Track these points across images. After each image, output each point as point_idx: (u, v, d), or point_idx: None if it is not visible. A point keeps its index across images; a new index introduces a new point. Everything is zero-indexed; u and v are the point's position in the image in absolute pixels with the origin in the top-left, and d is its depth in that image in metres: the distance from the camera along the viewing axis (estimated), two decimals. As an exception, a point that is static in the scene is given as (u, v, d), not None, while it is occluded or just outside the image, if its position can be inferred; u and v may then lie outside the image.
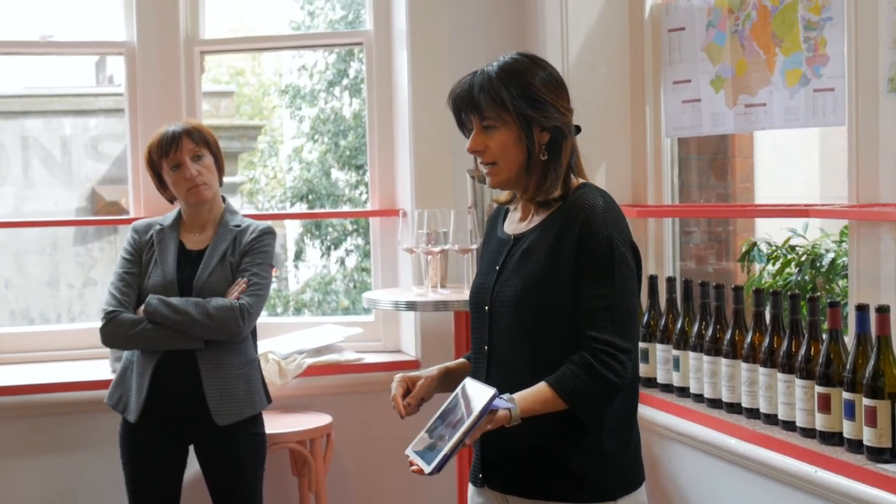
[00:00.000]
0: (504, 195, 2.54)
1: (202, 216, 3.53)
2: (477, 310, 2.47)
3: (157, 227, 3.53)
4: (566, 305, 2.30)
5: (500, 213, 2.57)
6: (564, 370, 2.26)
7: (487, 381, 2.35)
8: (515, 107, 2.33)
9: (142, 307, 3.40)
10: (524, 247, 2.39)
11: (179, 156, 3.44)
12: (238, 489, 3.47)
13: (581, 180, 2.43)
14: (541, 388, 2.26)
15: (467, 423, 2.17)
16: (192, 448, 3.52)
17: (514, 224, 2.49)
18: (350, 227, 11.12)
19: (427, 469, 2.19)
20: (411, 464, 2.24)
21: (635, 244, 2.39)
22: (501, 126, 2.35)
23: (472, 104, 2.37)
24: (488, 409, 2.17)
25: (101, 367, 4.14)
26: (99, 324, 3.47)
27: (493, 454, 2.41)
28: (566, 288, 2.30)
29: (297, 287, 11.73)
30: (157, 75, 4.37)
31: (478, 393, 2.23)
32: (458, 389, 2.30)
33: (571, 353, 2.28)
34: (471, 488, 2.52)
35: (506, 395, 2.23)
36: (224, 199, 3.59)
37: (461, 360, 2.59)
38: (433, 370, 2.50)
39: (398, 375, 2.47)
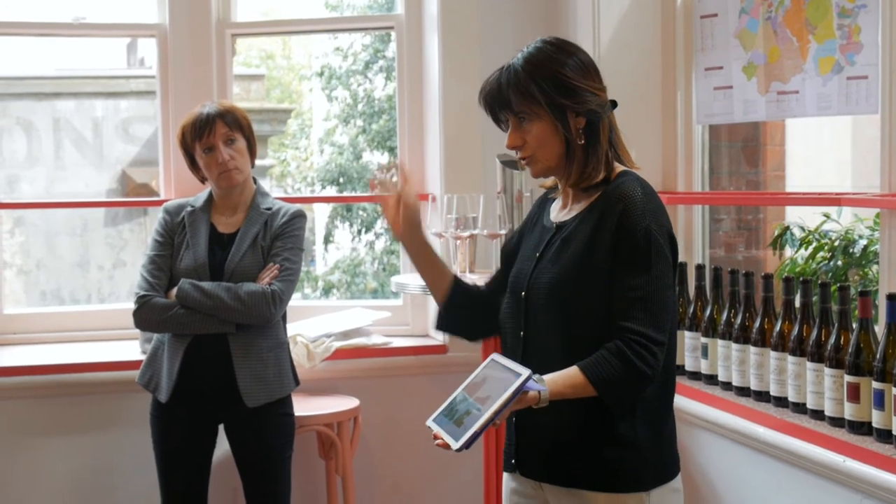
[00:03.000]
0: (549, 181, 2.52)
1: (233, 199, 3.54)
2: (514, 295, 2.46)
3: (189, 208, 3.55)
4: (602, 295, 2.29)
5: (546, 200, 2.55)
6: (597, 356, 2.25)
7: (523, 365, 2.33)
8: (547, 98, 2.31)
9: (174, 291, 3.42)
10: (564, 235, 2.38)
11: (212, 139, 3.45)
12: (267, 469, 3.49)
13: (622, 168, 2.41)
14: (572, 373, 2.25)
15: (499, 402, 2.15)
16: (221, 428, 3.55)
17: (556, 212, 2.48)
18: (380, 211, 11.12)
19: (455, 445, 2.16)
20: (436, 437, 2.21)
21: (674, 235, 2.36)
22: (536, 119, 2.33)
23: (502, 102, 2.36)
24: (521, 391, 2.16)
25: (132, 348, 4.16)
26: (129, 305, 3.49)
27: (527, 442, 2.41)
28: (603, 278, 2.29)
29: (326, 269, 11.77)
30: (188, 58, 4.38)
31: (510, 372, 2.21)
32: (487, 363, 2.29)
33: (605, 342, 2.27)
34: (505, 474, 2.53)
35: (537, 377, 2.22)
36: (255, 181, 3.60)
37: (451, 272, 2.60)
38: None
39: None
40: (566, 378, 2.24)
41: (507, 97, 2.34)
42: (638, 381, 2.26)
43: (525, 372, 2.17)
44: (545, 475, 2.39)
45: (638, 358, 2.24)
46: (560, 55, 2.34)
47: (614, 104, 2.42)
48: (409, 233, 2.54)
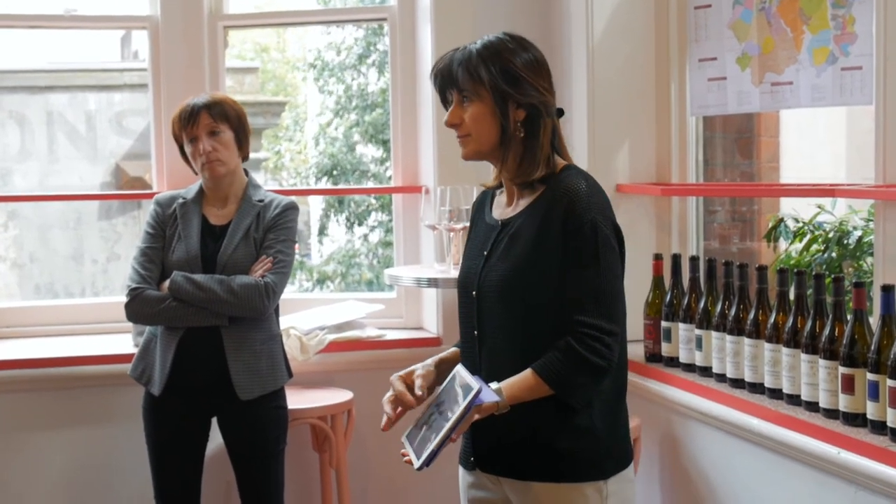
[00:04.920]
0: (491, 179, 2.55)
1: (223, 190, 3.53)
2: (465, 295, 2.49)
3: (181, 200, 3.53)
4: (553, 290, 2.32)
5: (487, 198, 2.58)
6: (549, 356, 2.30)
7: (479, 365, 2.40)
8: (491, 81, 2.35)
9: (166, 283, 3.41)
10: (511, 232, 2.41)
11: (195, 130, 3.45)
12: (260, 462, 3.49)
13: (565, 162, 2.44)
14: (526, 376, 2.30)
15: (452, 419, 2.21)
16: (214, 421, 3.54)
17: (500, 209, 2.51)
18: (374, 203, 11.13)
19: (416, 464, 2.24)
20: (404, 454, 2.30)
21: (618, 226, 2.39)
22: (477, 100, 2.38)
23: (451, 78, 2.41)
24: (473, 405, 2.20)
25: (125, 341, 4.15)
26: (121, 298, 3.48)
27: (484, 439, 2.43)
28: (552, 272, 2.32)
29: (321, 260, 11.78)
30: (180, 50, 4.37)
31: (464, 386, 2.26)
32: (451, 375, 2.34)
33: (559, 336, 2.30)
34: (461, 471, 2.55)
35: (493, 385, 2.27)
36: (247, 173, 3.59)
37: (452, 349, 2.60)
38: (429, 362, 2.51)
39: (393, 377, 2.46)
40: (521, 382, 2.30)
41: (455, 74, 2.39)
42: (593, 374, 2.30)
43: (475, 387, 2.21)
44: (504, 469, 2.41)
45: (590, 352, 2.28)
46: (516, 47, 2.40)
47: (561, 112, 2.47)
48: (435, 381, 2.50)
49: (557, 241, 2.32)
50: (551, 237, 2.32)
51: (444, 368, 2.50)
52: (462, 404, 2.21)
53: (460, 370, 2.34)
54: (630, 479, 2.44)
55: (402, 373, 2.46)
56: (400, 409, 2.40)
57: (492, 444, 2.42)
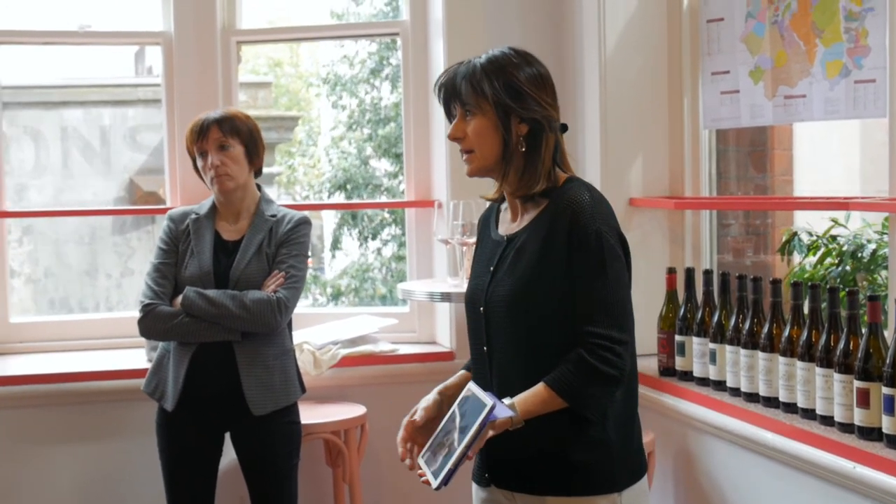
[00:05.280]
0: (492, 192, 2.55)
1: (235, 205, 3.53)
2: (473, 311, 2.49)
3: (193, 216, 3.54)
4: (561, 303, 2.32)
5: (492, 214, 2.58)
6: (561, 369, 2.29)
7: (490, 381, 2.41)
8: (495, 95, 2.36)
9: (178, 299, 3.41)
10: (517, 246, 2.41)
11: (205, 144, 3.46)
12: (273, 477, 3.48)
13: (567, 175, 2.44)
14: (539, 389, 2.29)
15: (468, 437, 2.21)
16: (228, 436, 3.54)
17: (506, 225, 2.51)
18: (388, 217, 11.14)
19: (434, 483, 2.25)
20: (421, 474, 2.31)
21: (623, 236, 2.39)
22: (480, 114, 2.38)
23: (455, 91, 2.41)
24: (486, 423, 2.21)
25: (139, 356, 4.16)
26: (134, 313, 3.48)
27: (498, 454, 2.42)
28: (559, 285, 2.32)
29: (335, 274, 11.78)
30: (193, 65, 4.39)
31: (478, 403, 2.27)
32: (463, 393, 2.35)
33: (569, 349, 2.30)
34: (474, 487, 2.54)
35: (506, 400, 2.28)
36: (260, 188, 3.59)
37: (460, 372, 2.60)
38: (432, 393, 2.52)
39: (403, 419, 2.48)
40: (535, 396, 2.29)
41: (459, 87, 2.40)
42: (606, 385, 2.30)
43: (489, 403, 2.22)
44: (518, 485, 2.41)
45: (602, 362, 2.27)
46: (520, 62, 2.40)
47: (565, 127, 2.47)
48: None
49: (563, 254, 2.31)
50: (556, 249, 2.32)
51: (449, 394, 2.50)
52: (476, 422, 2.22)
53: (473, 388, 2.34)
54: (644, 490, 2.43)
55: (410, 419, 2.48)
56: (410, 444, 2.44)
57: (506, 459, 2.41)
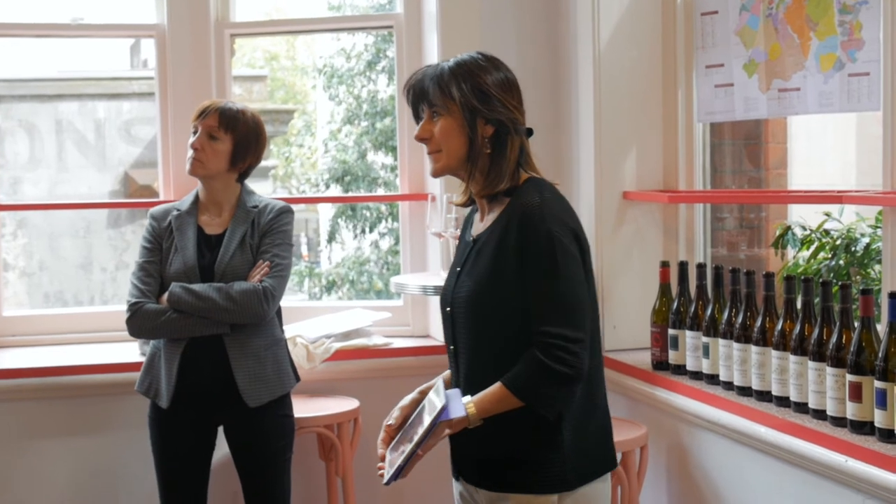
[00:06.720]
0: (459, 197, 2.59)
1: (215, 196, 3.52)
2: (442, 311, 2.56)
3: (175, 212, 3.53)
4: (517, 303, 2.36)
5: (473, 214, 2.61)
6: (517, 368, 2.33)
7: (456, 379, 2.49)
8: (462, 97, 2.40)
9: (164, 296, 3.40)
10: (478, 248, 2.46)
11: (199, 124, 3.47)
12: (266, 471, 3.48)
13: (530, 174, 2.47)
14: (497, 388, 2.34)
15: (417, 436, 2.29)
16: (220, 430, 3.54)
17: (476, 225, 2.55)
18: (385, 211, 11.14)
19: (384, 479, 2.35)
20: (381, 467, 2.38)
21: (578, 232, 2.41)
22: (447, 115, 2.42)
23: (422, 94, 2.46)
24: (437, 423, 2.28)
25: (133, 350, 4.15)
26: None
27: (461, 450, 2.49)
28: (514, 286, 2.36)
29: (331, 266, 11.79)
30: (187, 58, 4.37)
31: (433, 403, 2.34)
32: (432, 391, 2.42)
33: (528, 349, 2.33)
34: (453, 480, 2.59)
35: (465, 399, 2.33)
36: (241, 183, 3.57)
37: (445, 372, 2.63)
38: (413, 392, 2.57)
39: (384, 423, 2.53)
40: (492, 395, 2.34)
41: (427, 89, 2.44)
42: (561, 384, 2.32)
43: (439, 405, 2.29)
44: (478, 480, 2.46)
45: (557, 361, 2.30)
46: (488, 66, 2.46)
47: (530, 132, 2.51)
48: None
49: (515, 255, 2.35)
50: (509, 250, 2.36)
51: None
52: (426, 423, 2.29)
53: (438, 386, 2.41)
54: (600, 492, 2.44)
55: (388, 424, 2.53)
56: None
57: (467, 454, 2.48)
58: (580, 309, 2.35)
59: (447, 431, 2.32)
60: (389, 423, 2.50)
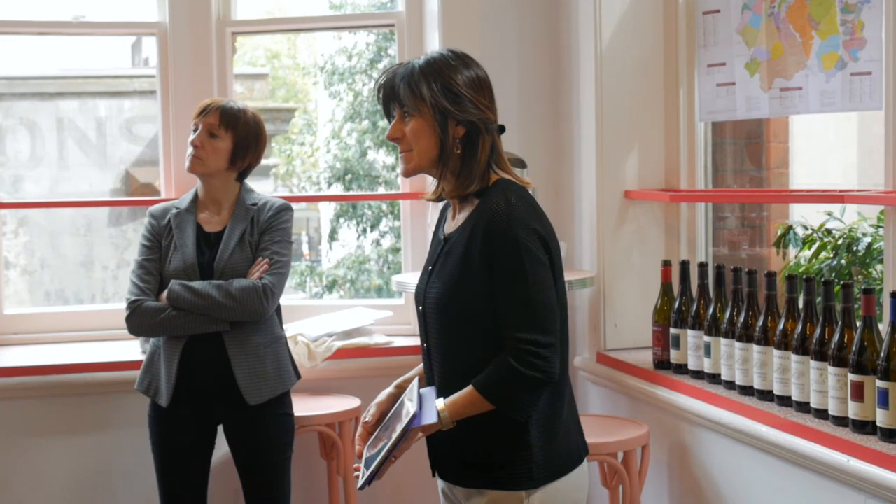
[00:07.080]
0: (431, 193, 2.58)
1: (215, 194, 3.52)
2: (416, 309, 2.55)
3: (174, 210, 3.53)
4: (485, 305, 2.36)
5: (447, 210, 2.60)
6: (489, 372, 2.34)
7: (430, 375, 2.50)
8: (432, 98, 2.39)
9: (164, 293, 3.40)
10: (448, 248, 2.47)
11: (200, 121, 3.48)
12: (266, 470, 3.48)
13: (500, 175, 2.47)
14: (469, 392, 2.35)
15: (390, 442, 2.32)
16: (220, 428, 3.53)
17: (448, 223, 2.55)
18: (386, 209, 11.14)
19: (358, 484, 2.36)
20: (356, 469, 2.41)
21: (545, 236, 2.40)
22: (418, 115, 2.41)
23: (393, 93, 2.45)
24: (409, 429, 2.31)
25: (134, 348, 4.15)
26: (128, 308, 3.48)
27: (437, 448, 2.51)
28: (481, 289, 2.37)
29: (331, 265, 11.79)
30: (188, 56, 4.37)
31: (405, 408, 2.37)
32: (411, 387, 2.45)
33: (500, 347, 2.35)
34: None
35: (439, 402, 2.36)
36: (240, 182, 3.57)
37: (419, 367, 2.65)
38: (390, 387, 2.59)
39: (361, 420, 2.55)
40: (464, 399, 2.36)
41: (397, 89, 2.43)
42: (531, 388, 2.34)
43: (412, 411, 2.32)
44: (453, 478, 2.49)
45: (528, 367, 2.31)
46: (458, 64, 2.44)
47: (502, 129, 2.49)
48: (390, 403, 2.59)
49: (482, 258, 2.35)
50: (474, 254, 2.37)
51: (406, 388, 2.56)
52: (398, 430, 2.32)
53: (410, 389, 2.43)
54: (572, 483, 2.45)
55: (364, 421, 2.55)
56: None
57: (443, 454, 2.50)
58: (550, 313, 2.35)
59: (420, 435, 2.36)
60: (366, 419, 2.51)
